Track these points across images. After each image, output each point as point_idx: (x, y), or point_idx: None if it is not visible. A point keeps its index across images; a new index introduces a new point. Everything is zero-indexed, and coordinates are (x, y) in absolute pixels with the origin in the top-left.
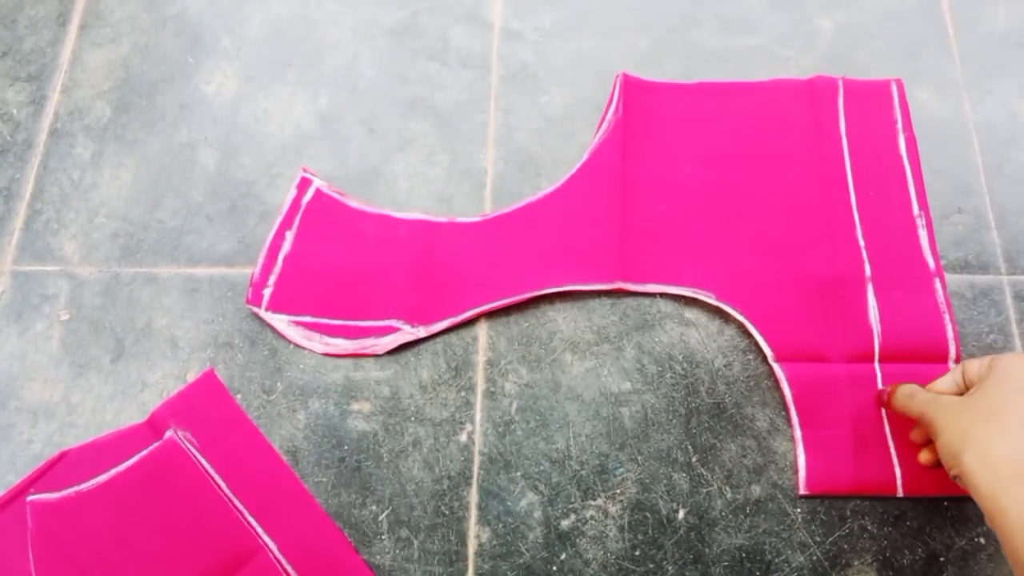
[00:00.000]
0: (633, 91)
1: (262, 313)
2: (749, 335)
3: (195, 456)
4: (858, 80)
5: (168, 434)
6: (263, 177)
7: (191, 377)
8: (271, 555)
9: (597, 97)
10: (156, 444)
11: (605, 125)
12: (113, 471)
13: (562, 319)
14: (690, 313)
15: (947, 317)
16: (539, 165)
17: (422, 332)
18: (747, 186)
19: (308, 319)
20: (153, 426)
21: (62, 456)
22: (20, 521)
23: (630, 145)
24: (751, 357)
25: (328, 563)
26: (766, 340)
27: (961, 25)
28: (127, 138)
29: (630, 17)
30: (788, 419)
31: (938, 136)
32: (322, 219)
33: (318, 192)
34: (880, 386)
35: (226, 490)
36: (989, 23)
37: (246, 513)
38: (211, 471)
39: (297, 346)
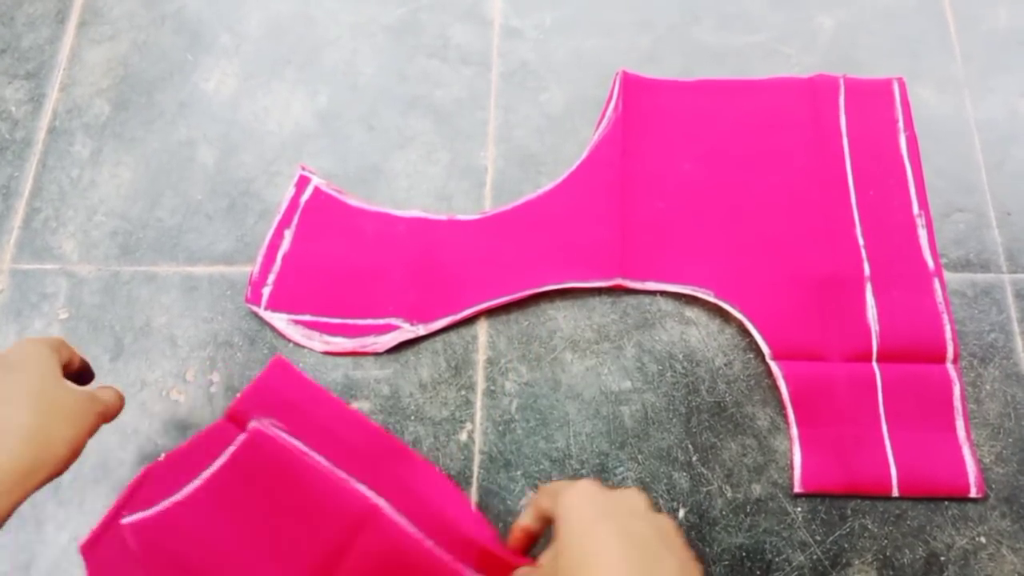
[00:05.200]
0: (633, 88)
1: (261, 312)
2: (749, 334)
3: (285, 439)
4: (859, 79)
5: (252, 424)
6: (262, 175)
7: (191, 376)
8: (386, 513)
9: (597, 95)
10: (242, 437)
11: (605, 122)
12: (205, 473)
13: (562, 317)
14: (690, 311)
15: (945, 317)
16: (539, 163)
17: (422, 330)
18: (747, 184)
19: (307, 317)
20: (234, 421)
21: (146, 474)
22: (120, 549)
23: (630, 142)
24: (751, 356)
25: (440, 508)
26: (764, 338)
27: (962, 23)
28: (126, 136)
29: (630, 15)
30: (786, 417)
31: (939, 134)
32: (321, 217)
33: (316, 190)
34: (879, 386)
35: (325, 463)
36: (990, 21)
37: (352, 480)
38: (305, 449)
39: (297, 344)
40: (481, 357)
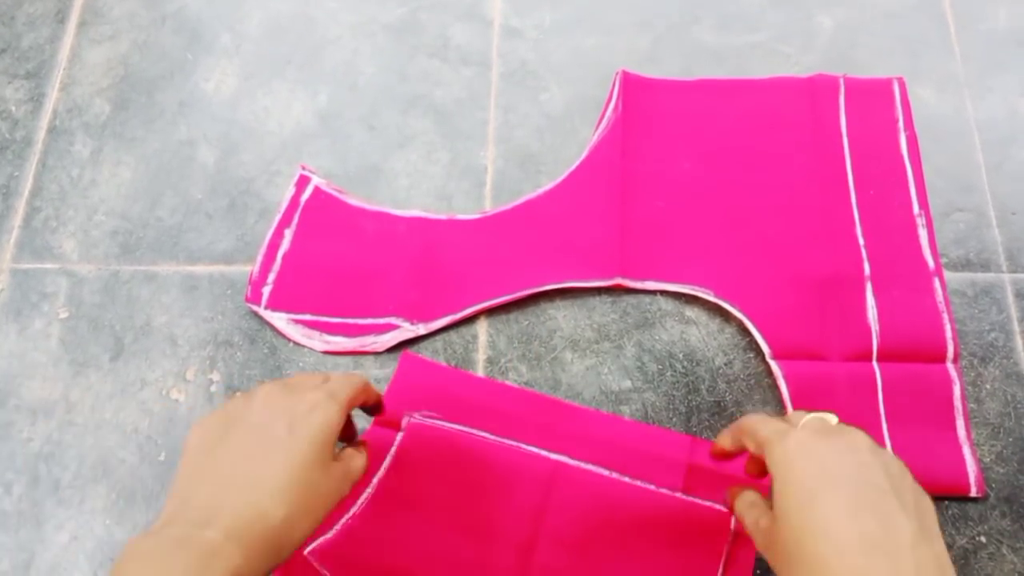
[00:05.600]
0: (633, 88)
1: (261, 311)
2: (749, 333)
3: (444, 425)
4: (859, 78)
5: (407, 420)
6: (263, 175)
7: (191, 375)
8: (571, 464)
9: (597, 94)
10: (400, 435)
11: (604, 122)
12: (375, 480)
13: (562, 317)
14: (690, 311)
15: (946, 317)
16: (539, 162)
17: (422, 329)
18: (747, 184)
19: (307, 317)
20: (385, 424)
21: None
22: None
23: (630, 142)
24: (751, 355)
25: (623, 444)
26: (764, 337)
27: (962, 23)
28: (126, 135)
29: (630, 14)
30: None
31: (939, 133)
32: (321, 216)
33: (316, 190)
34: (879, 385)
35: (491, 437)
36: (990, 21)
37: (524, 446)
38: (467, 429)
39: (297, 344)
40: (481, 356)
